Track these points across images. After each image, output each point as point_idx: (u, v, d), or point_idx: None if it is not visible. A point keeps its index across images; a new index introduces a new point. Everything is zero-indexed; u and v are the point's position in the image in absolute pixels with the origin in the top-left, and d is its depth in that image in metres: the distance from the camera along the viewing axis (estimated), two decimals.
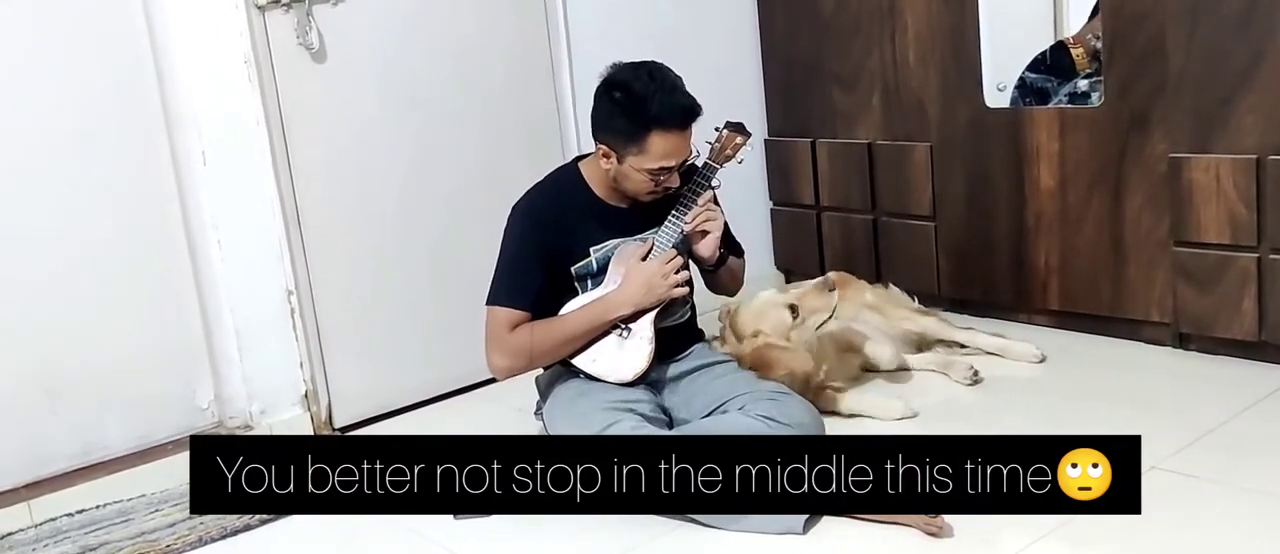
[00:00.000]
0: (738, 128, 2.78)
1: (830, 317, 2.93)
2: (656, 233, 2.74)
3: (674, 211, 2.73)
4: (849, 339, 3.12)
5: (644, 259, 2.71)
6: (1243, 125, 2.95)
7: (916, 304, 3.50)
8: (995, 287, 3.64)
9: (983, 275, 3.66)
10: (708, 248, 2.76)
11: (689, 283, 2.74)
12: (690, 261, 2.82)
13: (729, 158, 2.77)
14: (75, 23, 2.86)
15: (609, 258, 2.75)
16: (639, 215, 2.77)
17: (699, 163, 2.72)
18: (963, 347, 3.33)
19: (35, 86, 2.82)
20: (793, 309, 2.89)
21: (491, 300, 2.74)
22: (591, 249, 2.74)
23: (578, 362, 2.73)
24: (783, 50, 4.12)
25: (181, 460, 2.94)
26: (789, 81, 4.13)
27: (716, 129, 2.77)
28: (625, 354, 2.71)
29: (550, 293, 2.72)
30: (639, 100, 2.59)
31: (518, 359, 2.75)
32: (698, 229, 2.74)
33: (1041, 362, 3.23)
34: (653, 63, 2.67)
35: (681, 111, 2.61)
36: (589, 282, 2.75)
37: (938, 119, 3.66)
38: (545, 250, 2.71)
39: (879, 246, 3.93)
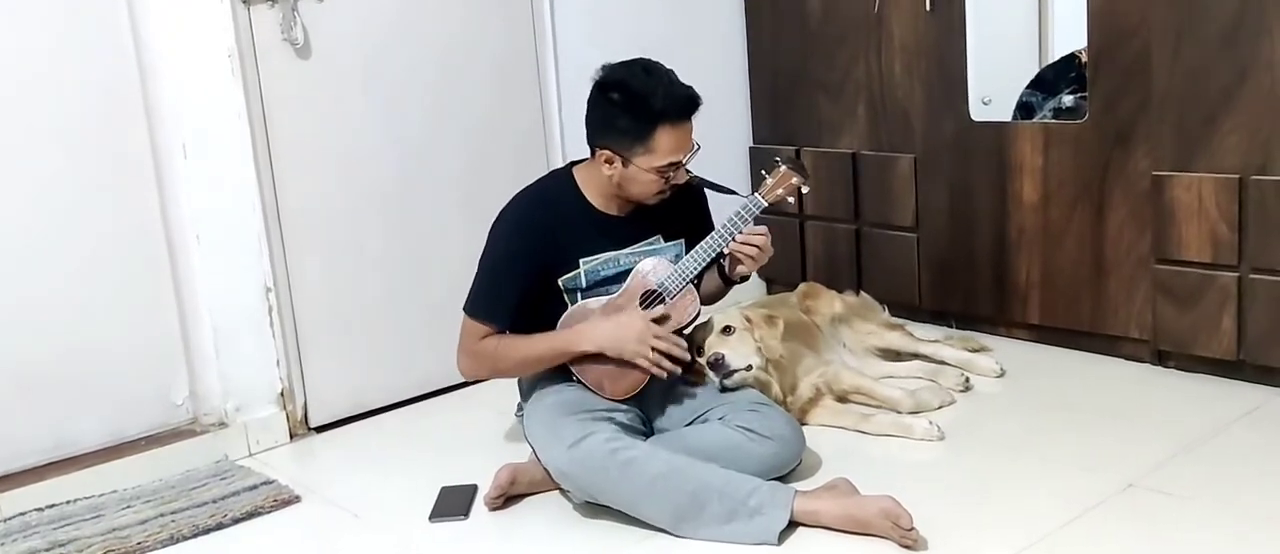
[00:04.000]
0: (799, 168, 2.71)
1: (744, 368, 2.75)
2: (686, 255, 2.68)
3: (711, 237, 2.65)
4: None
5: (655, 291, 2.64)
6: (1226, 144, 2.96)
7: (886, 313, 3.49)
8: (976, 299, 3.64)
9: (963, 288, 3.66)
10: (741, 274, 2.73)
11: (670, 355, 2.61)
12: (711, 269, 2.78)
13: (781, 198, 2.71)
14: (57, 12, 2.83)
15: (599, 272, 2.69)
16: (636, 224, 2.72)
17: (686, 161, 2.63)
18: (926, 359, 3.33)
19: (14, 75, 2.78)
20: (727, 329, 2.78)
21: (468, 309, 2.70)
22: (581, 260, 2.67)
23: (576, 373, 2.68)
24: (769, 58, 4.12)
25: (155, 457, 2.97)
26: (775, 89, 4.13)
27: (776, 160, 2.73)
28: (618, 375, 2.65)
29: (534, 304, 2.66)
30: (641, 97, 2.53)
31: (481, 368, 2.77)
32: (744, 254, 2.66)
33: (1000, 376, 3.24)
34: (644, 59, 2.62)
35: (686, 102, 2.56)
36: (579, 295, 2.69)
37: (922, 131, 3.67)
38: (530, 263, 2.64)
39: (861, 256, 3.93)
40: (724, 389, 2.71)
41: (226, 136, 3.02)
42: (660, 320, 2.62)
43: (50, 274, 2.88)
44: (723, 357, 2.69)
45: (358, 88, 3.26)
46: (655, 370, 2.59)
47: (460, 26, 3.45)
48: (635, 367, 2.60)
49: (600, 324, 2.62)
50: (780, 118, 4.13)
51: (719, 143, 4.00)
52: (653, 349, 2.58)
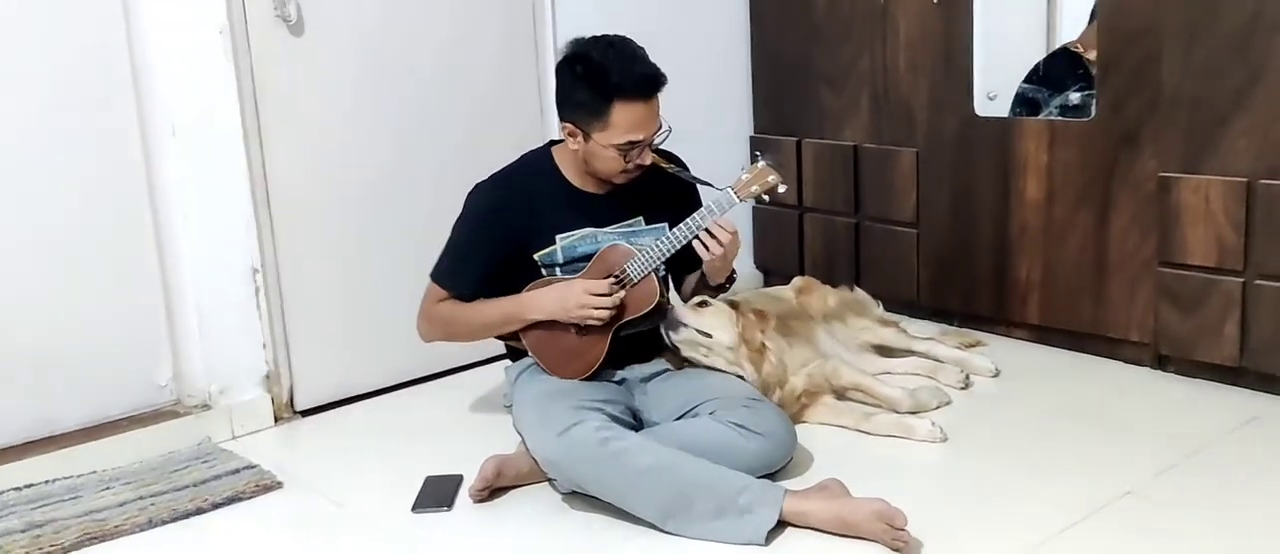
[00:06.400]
0: (777, 167, 2.66)
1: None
2: (648, 242, 2.65)
3: (677, 228, 2.62)
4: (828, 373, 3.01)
5: (619, 270, 2.63)
6: (1235, 147, 2.91)
7: (880, 310, 3.45)
8: (975, 297, 3.59)
9: (963, 285, 3.61)
10: (713, 267, 2.68)
11: (614, 321, 2.63)
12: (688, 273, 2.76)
13: (755, 195, 2.65)
14: None
15: (576, 249, 2.68)
16: (613, 202, 2.70)
17: (660, 139, 2.61)
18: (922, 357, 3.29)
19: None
20: (702, 303, 2.78)
21: (433, 275, 2.74)
22: (557, 236, 2.67)
23: (530, 348, 2.70)
24: (773, 48, 4.07)
25: (136, 438, 2.93)
26: (777, 80, 4.08)
27: (756, 155, 2.68)
28: (572, 356, 2.67)
29: (504, 278, 2.68)
30: (600, 71, 2.51)
31: (436, 332, 2.79)
32: (708, 246, 2.61)
33: (995, 375, 3.20)
34: (615, 35, 2.60)
35: (644, 80, 2.53)
36: (558, 271, 2.69)
37: (926, 125, 3.61)
38: (500, 238, 2.67)
39: (860, 251, 3.88)
40: (674, 349, 2.72)
41: (216, 115, 2.97)
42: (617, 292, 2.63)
43: (32, 250, 2.82)
44: (671, 306, 2.69)
45: (351, 68, 3.21)
46: (592, 318, 2.61)
47: (458, 8, 3.40)
48: (584, 339, 2.63)
49: (546, 292, 2.65)
50: (782, 108, 4.07)
51: (719, 132, 3.98)
52: (595, 307, 2.60)
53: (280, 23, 3.05)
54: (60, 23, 2.80)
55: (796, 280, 3.42)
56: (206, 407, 3.05)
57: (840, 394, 2.97)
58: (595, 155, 2.59)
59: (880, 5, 3.65)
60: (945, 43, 3.50)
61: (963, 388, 3.10)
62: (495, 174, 2.74)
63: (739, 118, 4.16)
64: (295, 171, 3.14)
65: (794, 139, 4.00)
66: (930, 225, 3.66)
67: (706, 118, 3.72)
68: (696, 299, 2.80)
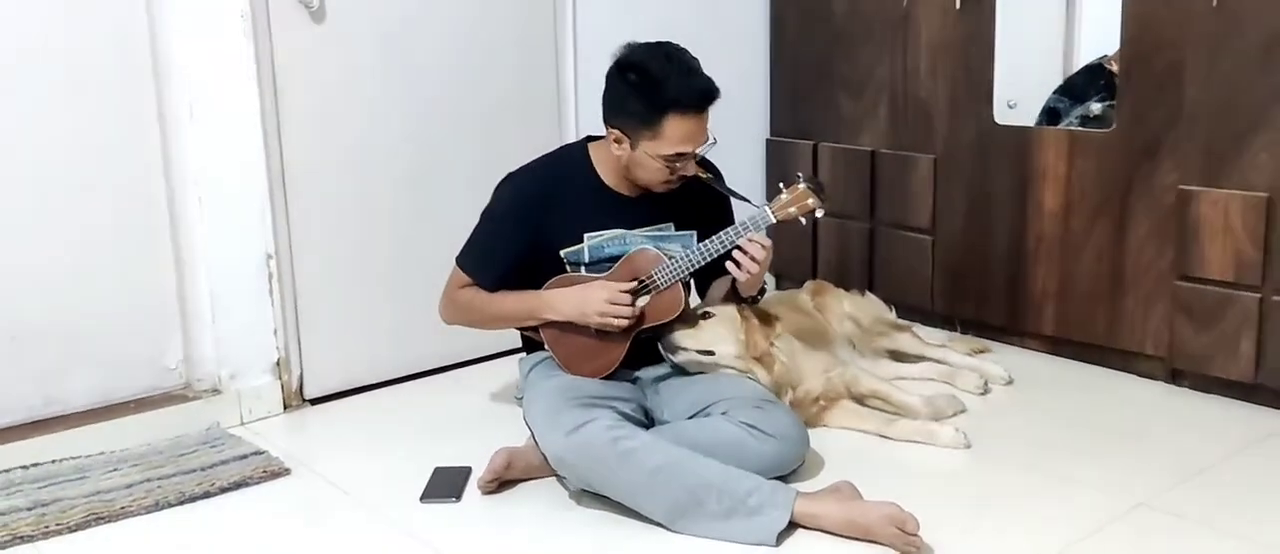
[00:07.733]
0: (817, 189, 2.57)
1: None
2: (676, 248, 2.64)
3: (710, 241, 2.58)
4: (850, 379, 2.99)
5: (647, 276, 2.61)
6: (1256, 162, 2.89)
7: (893, 315, 3.43)
8: (989, 306, 3.57)
9: (977, 294, 3.60)
10: (743, 280, 2.63)
11: (635, 325, 2.62)
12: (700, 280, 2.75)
13: (793, 217, 2.58)
14: None
15: (603, 249, 2.67)
16: (645, 205, 2.68)
17: (699, 153, 2.59)
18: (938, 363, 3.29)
19: (22, 26, 2.72)
20: (705, 314, 2.74)
21: (458, 259, 2.73)
22: (586, 235, 2.66)
23: (547, 343, 2.69)
24: (792, 51, 4.06)
25: (145, 419, 2.92)
26: (796, 82, 4.06)
27: (797, 175, 2.60)
28: (588, 355, 2.65)
29: (529, 270, 2.66)
30: (655, 82, 2.49)
31: (457, 316, 2.78)
32: (740, 260, 2.57)
33: (1008, 383, 3.19)
34: (669, 43, 2.57)
35: (699, 94, 2.51)
36: (584, 269, 2.68)
37: (944, 132, 3.60)
38: (526, 233, 2.65)
39: (874, 256, 3.86)
40: (677, 369, 2.71)
41: (235, 99, 2.96)
42: (635, 301, 2.61)
43: (47, 228, 2.81)
44: (672, 336, 2.67)
45: (372, 56, 3.20)
46: (610, 326, 2.60)
47: (479, 1, 3.38)
48: (603, 340, 2.62)
49: (567, 294, 2.63)
50: (800, 111, 4.06)
51: (736, 134, 3.95)
52: (616, 316, 2.58)
53: (302, 9, 3.05)
54: (83, 2, 2.79)
55: (809, 284, 3.42)
56: (216, 391, 3.05)
57: (859, 400, 2.96)
58: (640, 164, 2.57)
59: (902, 10, 3.63)
60: (966, 49, 3.49)
61: (981, 394, 3.09)
62: (527, 165, 2.72)
63: (756, 120, 4.15)
64: (312, 159, 3.13)
65: (810, 143, 3.99)
66: (946, 232, 3.65)
67: (724, 120, 3.69)
68: (700, 310, 2.77)
